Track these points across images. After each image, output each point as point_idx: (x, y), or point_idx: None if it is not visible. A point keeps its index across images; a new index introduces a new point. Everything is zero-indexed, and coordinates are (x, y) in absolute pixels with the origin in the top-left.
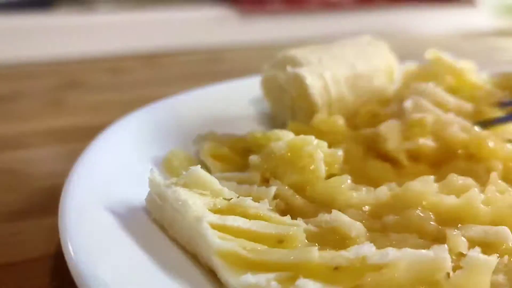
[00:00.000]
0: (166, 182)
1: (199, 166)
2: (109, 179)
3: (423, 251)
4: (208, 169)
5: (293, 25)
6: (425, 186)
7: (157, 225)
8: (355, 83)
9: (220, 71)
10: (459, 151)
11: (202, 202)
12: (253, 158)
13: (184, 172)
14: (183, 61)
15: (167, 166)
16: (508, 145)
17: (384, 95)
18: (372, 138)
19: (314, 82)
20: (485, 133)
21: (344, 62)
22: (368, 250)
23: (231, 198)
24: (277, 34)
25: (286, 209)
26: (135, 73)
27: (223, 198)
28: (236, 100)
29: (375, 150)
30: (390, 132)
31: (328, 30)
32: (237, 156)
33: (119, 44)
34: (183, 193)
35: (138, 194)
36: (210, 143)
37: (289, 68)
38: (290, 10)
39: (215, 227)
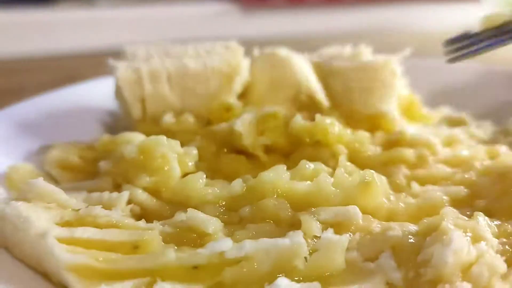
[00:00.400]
0: (4, 198)
1: (40, 178)
2: None
3: (279, 239)
4: (56, 181)
5: (295, 20)
6: (278, 175)
7: (1, 247)
8: (182, 82)
9: None
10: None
11: (47, 216)
12: (103, 164)
13: (23, 186)
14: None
15: (9, 182)
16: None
17: (218, 98)
18: (227, 134)
19: (125, 76)
20: (328, 120)
21: (176, 60)
22: (224, 245)
23: (80, 209)
24: (279, 29)
25: (141, 213)
26: None
27: (71, 210)
28: (87, 103)
29: (230, 145)
30: (244, 127)
31: (331, 25)
32: (88, 165)
33: (119, 39)
34: (24, 209)
35: None
36: (56, 152)
37: (110, 61)
38: (292, 5)
39: (63, 241)
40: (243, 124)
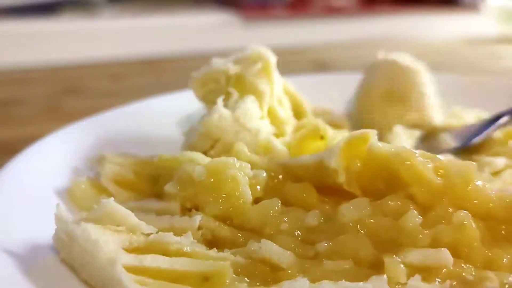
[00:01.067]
0: (75, 218)
1: (112, 198)
2: (10, 215)
3: (361, 284)
4: (110, 196)
5: (297, 30)
6: (359, 209)
7: (67, 266)
8: None
9: None
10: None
11: (116, 240)
12: (169, 187)
13: (95, 206)
14: (184, 67)
15: (72, 197)
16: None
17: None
18: (315, 169)
19: None
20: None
21: None
22: (301, 285)
23: (150, 234)
24: (281, 40)
25: (212, 239)
26: (136, 79)
27: (141, 233)
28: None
29: (320, 182)
30: (337, 162)
31: (331, 35)
32: (144, 182)
33: (121, 50)
34: (94, 232)
35: (45, 231)
36: (112, 166)
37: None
38: (293, 16)
39: (131, 269)
40: (336, 159)
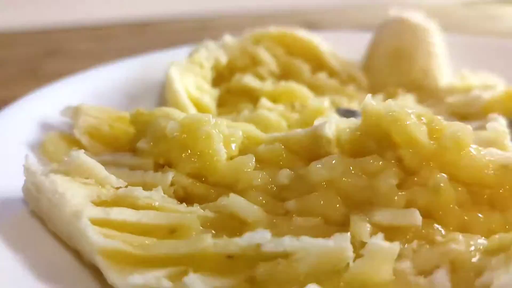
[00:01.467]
0: (44, 169)
1: (82, 150)
2: None
3: (322, 240)
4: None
5: None
6: (332, 167)
7: (36, 217)
8: None
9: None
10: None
11: (84, 193)
12: (142, 143)
13: (65, 158)
14: (171, 29)
15: (44, 151)
16: None
17: None
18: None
19: None
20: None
21: None
22: (262, 237)
23: (119, 188)
24: (270, 1)
25: (185, 196)
26: (122, 41)
27: (110, 187)
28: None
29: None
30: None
31: None
32: (120, 137)
33: (107, 12)
34: (62, 184)
35: (18, 184)
36: (87, 118)
37: None
38: None
39: (97, 222)
40: (330, 127)
